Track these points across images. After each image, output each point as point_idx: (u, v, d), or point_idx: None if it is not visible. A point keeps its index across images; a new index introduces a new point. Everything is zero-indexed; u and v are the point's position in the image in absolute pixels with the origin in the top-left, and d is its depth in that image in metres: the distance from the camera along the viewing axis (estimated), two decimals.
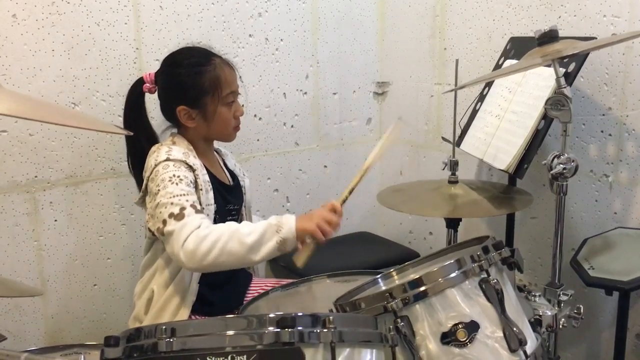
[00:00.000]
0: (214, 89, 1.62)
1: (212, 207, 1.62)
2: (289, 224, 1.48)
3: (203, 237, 1.42)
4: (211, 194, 1.61)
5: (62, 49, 1.96)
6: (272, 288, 1.68)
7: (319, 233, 1.49)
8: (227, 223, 1.52)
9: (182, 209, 1.47)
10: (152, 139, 1.70)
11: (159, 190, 1.51)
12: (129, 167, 1.74)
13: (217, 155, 1.82)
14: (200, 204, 1.57)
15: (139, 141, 1.68)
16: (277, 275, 2.44)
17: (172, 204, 1.48)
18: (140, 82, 1.70)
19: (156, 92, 1.70)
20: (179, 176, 1.53)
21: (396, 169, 2.70)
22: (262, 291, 1.69)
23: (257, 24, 2.32)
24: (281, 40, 2.39)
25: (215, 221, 1.63)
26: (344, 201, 1.60)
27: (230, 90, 1.66)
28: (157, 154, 1.58)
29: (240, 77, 1.72)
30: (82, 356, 0.99)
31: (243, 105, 1.75)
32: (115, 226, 2.14)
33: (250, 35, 2.31)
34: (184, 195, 1.50)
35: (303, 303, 1.65)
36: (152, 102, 1.74)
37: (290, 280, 1.74)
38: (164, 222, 1.47)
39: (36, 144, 1.97)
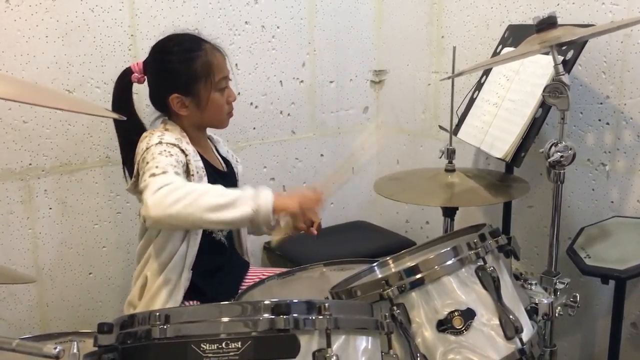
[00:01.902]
0: (207, 74, 1.61)
1: None
2: (265, 194, 1.45)
3: (176, 188, 1.39)
4: (205, 180, 1.60)
5: (56, 35, 1.94)
6: (268, 277, 1.67)
7: (300, 212, 1.48)
8: (203, 184, 1.50)
9: (164, 171, 1.45)
10: (140, 130, 1.68)
11: (147, 162, 1.49)
12: (122, 157, 1.72)
13: (210, 142, 1.80)
14: None
15: (128, 132, 1.67)
16: (274, 264, 2.43)
17: (156, 167, 1.46)
18: (128, 72, 1.67)
19: (145, 82, 1.67)
20: (169, 152, 1.52)
21: (393, 157, 2.69)
22: (258, 280, 1.68)
23: (253, 11, 2.30)
24: (277, 27, 2.37)
25: None
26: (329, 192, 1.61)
27: (222, 75, 1.64)
28: (149, 139, 1.56)
29: (230, 62, 1.70)
30: (75, 344, 0.98)
31: (239, 94, 1.73)
32: (110, 214, 2.13)
33: (246, 23, 2.29)
34: (171, 165, 1.48)
35: (299, 291, 1.65)
36: (143, 92, 1.72)
37: (287, 269, 1.74)
38: (144, 181, 1.45)
39: (30, 132, 1.95)
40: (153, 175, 1.44)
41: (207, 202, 1.39)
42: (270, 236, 1.69)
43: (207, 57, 1.61)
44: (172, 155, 1.51)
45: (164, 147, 1.52)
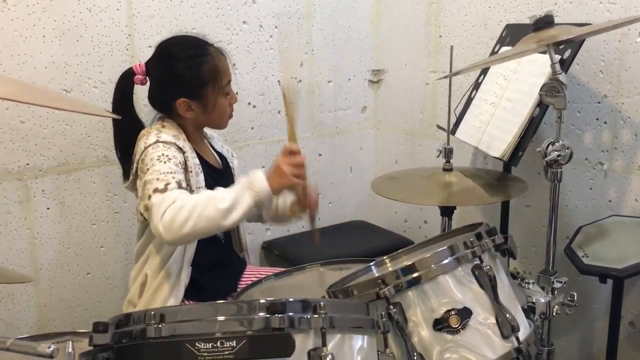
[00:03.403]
0: (214, 79, 1.62)
1: (203, 190, 1.61)
2: (259, 178, 1.51)
3: (179, 208, 1.42)
4: (201, 177, 1.61)
5: (53, 35, 1.93)
6: (266, 277, 1.67)
7: (296, 180, 1.56)
8: (202, 192, 1.53)
9: (167, 184, 1.47)
10: (139, 129, 1.68)
11: (147, 169, 1.51)
12: (117, 156, 1.72)
13: (205, 139, 1.80)
14: (190, 186, 1.57)
15: (126, 131, 1.67)
16: (272, 263, 2.43)
17: (157, 179, 1.48)
18: (129, 73, 1.67)
19: (147, 83, 1.67)
20: (167, 155, 1.53)
21: (391, 157, 2.69)
22: (255, 279, 1.68)
23: (251, 10, 2.29)
24: (275, 27, 2.37)
25: None
26: (294, 137, 1.65)
27: (227, 79, 1.66)
28: (146, 137, 1.57)
29: (234, 64, 1.71)
30: (70, 343, 0.98)
31: (237, 93, 1.73)
32: (108, 214, 2.13)
33: (244, 22, 2.29)
34: (171, 173, 1.50)
35: (296, 291, 1.65)
36: (143, 91, 1.72)
37: (284, 269, 1.74)
38: (149, 197, 1.47)
39: (28, 132, 1.95)
40: (156, 190, 1.46)
41: (212, 213, 1.44)
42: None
43: (213, 62, 1.62)
44: (170, 159, 1.52)
45: (160, 148, 1.53)
